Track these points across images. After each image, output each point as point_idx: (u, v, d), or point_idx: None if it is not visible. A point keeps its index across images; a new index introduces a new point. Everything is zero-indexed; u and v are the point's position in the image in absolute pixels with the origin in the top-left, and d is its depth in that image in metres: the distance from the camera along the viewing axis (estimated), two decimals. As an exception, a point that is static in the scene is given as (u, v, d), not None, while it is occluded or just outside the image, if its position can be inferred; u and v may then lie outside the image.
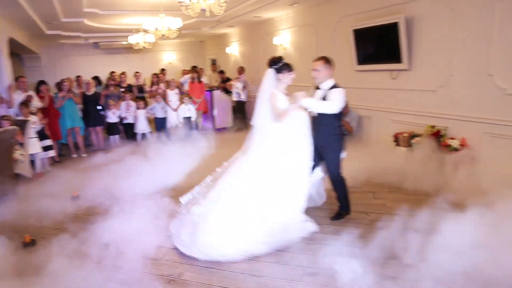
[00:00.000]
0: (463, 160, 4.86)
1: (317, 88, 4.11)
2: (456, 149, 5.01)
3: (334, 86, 3.99)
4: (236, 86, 10.08)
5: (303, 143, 4.01)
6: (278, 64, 3.95)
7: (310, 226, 3.84)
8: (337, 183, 4.14)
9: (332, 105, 3.86)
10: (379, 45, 6.19)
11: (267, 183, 3.80)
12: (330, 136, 4.02)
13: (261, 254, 3.42)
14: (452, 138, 5.15)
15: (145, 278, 3.17)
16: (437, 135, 5.29)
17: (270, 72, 3.99)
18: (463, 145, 5.03)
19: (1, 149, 5.18)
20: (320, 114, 3.98)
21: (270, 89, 3.93)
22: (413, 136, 5.65)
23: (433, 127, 5.42)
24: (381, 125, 6.53)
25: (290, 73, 3.98)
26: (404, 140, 5.76)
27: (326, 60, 4.00)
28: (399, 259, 3.14)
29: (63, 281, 3.04)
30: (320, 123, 4.03)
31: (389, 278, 2.91)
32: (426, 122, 5.57)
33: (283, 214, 3.78)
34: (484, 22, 4.67)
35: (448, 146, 5.08)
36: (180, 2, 5.18)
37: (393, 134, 6.00)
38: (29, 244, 3.89)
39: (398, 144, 5.90)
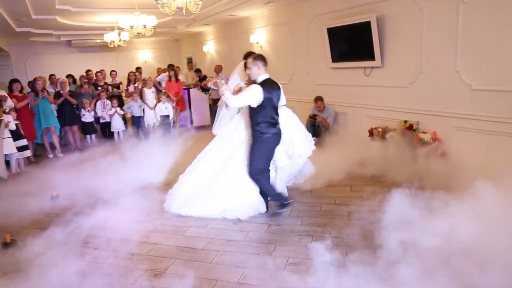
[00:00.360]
0: (435, 153, 5.12)
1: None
2: (428, 143, 5.26)
3: (255, 82, 4.07)
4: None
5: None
6: None
7: (260, 208, 4.30)
8: (254, 181, 4.19)
9: (232, 99, 3.93)
10: (352, 43, 6.39)
11: (220, 163, 4.38)
12: (253, 132, 4.11)
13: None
14: (424, 132, 5.39)
15: (130, 272, 3.22)
16: (410, 129, 5.53)
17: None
18: (434, 138, 5.28)
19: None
20: (251, 109, 4.08)
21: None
22: (387, 130, 5.88)
23: (405, 122, 5.66)
24: (356, 120, 6.74)
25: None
26: (379, 134, 5.98)
27: (256, 58, 4.05)
28: (373, 247, 3.30)
29: (45, 278, 3.06)
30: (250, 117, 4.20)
31: (368, 264, 3.06)
32: (399, 117, 5.80)
33: (235, 193, 4.25)
34: (449, 22, 4.91)
35: (421, 139, 5.32)
36: (156, 0, 5.20)
37: (368, 129, 6.21)
38: (9, 244, 3.85)
39: (373, 139, 6.12)
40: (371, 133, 6.12)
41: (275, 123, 4.10)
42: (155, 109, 9.01)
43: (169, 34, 13.18)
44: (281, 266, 3.22)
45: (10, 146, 6.43)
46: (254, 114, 4.04)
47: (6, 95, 6.90)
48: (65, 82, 8.40)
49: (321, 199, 4.67)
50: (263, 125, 4.02)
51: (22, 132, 6.95)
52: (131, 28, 7.51)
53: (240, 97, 3.94)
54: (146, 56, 14.82)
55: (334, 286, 2.82)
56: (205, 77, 10.93)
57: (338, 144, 6.38)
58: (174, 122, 9.41)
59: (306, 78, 7.91)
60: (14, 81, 7.47)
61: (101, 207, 4.54)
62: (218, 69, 10.25)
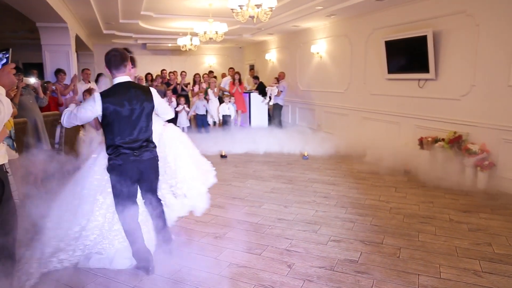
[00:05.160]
0: (482, 163, 5.32)
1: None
2: (475, 153, 5.46)
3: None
4: (272, 90, 10.71)
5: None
6: None
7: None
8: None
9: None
10: (408, 56, 6.71)
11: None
12: None
13: None
14: (472, 143, 5.60)
15: (196, 234, 3.84)
16: (459, 140, 5.75)
17: None
18: (482, 149, 5.47)
19: (71, 128, 6.02)
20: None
21: None
22: (436, 140, 6.12)
23: (455, 132, 5.88)
24: (407, 130, 7.00)
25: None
26: (428, 143, 6.24)
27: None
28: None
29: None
30: None
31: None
32: (449, 128, 6.02)
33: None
34: (504, 37, 5.14)
35: (468, 149, 5.53)
36: (232, 9, 5.90)
37: (418, 138, 6.47)
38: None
39: (422, 148, 6.38)
40: (420, 142, 6.38)
41: (133, 148, 2.99)
42: (219, 109, 9.80)
43: (234, 41, 14.06)
44: (324, 241, 3.69)
45: (93, 131, 7.43)
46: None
47: (96, 88, 7.98)
48: (142, 79, 9.44)
49: (366, 195, 5.07)
50: (110, 149, 2.99)
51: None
52: (204, 33, 8.34)
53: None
54: (211, 61, 15.85)
55: (370, 263, 3.24)
56: (261, 83, 11.56)
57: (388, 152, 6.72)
58: (236, 121, 10.20)
59: (362, 88, 8.28)
60: (100, 75, 8.57)
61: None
62: (282, 76, 10.87)
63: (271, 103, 10.70)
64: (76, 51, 12.72)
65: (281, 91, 10.65)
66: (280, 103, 10.82)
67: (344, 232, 3.88)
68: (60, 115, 5.78)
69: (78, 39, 9.37)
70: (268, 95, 10.61)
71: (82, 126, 6.78)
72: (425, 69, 6.35)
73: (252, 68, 14.80)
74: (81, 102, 7.37)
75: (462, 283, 2.89)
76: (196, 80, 10.67)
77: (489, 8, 5.36)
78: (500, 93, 5.28)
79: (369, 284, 2.89)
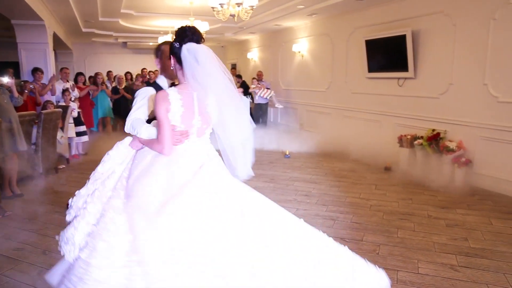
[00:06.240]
0: (459, 160, 5.42)
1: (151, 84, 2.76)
2: (453, 150, 5.56)
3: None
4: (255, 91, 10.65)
5: None
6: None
7: None
8: None
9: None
10: (388, 55, 6.79)
11: None
12: None
13: None
14: (450, 141, 5.70)
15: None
16: (437, 137, 5.85)
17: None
18: (460, 146, 5.58)
19: (49, 128, 5.90)
20: None
21: None
22: (415, 138, 6.21)
23: (433, 130, 5.98)
24: (388, 128, 7.09)
25: None
26: (407, 141, 6.33)
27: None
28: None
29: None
30: None
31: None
32: (428, 126, 6.11)
33: None
34: (480, 37, 5.25)
35: (446, 147, 5.63)
36: (212, 7, 5.87)
37: (397, 136, 6.56)
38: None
39: (401, 145, 6.46)
40: (400, 139, 6.47)
41: None
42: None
43: (216, 40, 14.00)
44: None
45: (71, 131, 7.30)
46: None
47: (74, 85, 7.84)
48: (122, 78, 9.31)
49: (346, 193, 5.12)
50: None
51: (82, 119, 7.83)
52: (185, 32, 8.25)
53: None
54: (193, 60, 15.75)
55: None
56: (244, 82, 11.53)
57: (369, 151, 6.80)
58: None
59: (344, 87, 8.35)
60: (79, 74, 8.44)
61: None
62: (261, 75, 10.85)
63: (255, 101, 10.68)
64: (54, 50, 12.52)
65: (268, 88, 10.61)
66: (264, 101, 10.81)
67: (325, 230, 3.82)
68: (37, 115, 5.70)
69: (56, 37, 9.18)
70: (260, 96, 10.44)
71: (61, 127, 6.67)
72: (405, 68, 6.44)
73: (234, 67, 14.76)
74: (58, 102, 7.25)
75: (439, 278, 2.94)
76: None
77: (464, 8, 5.47)
78: (476, 92, 5.40)
79: (348, 281, 2.91)
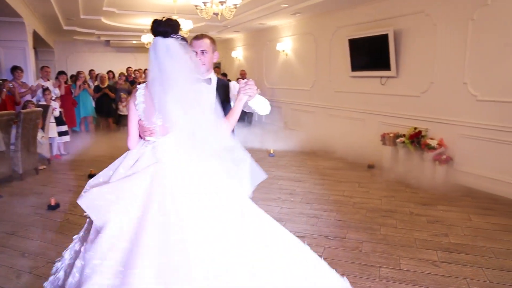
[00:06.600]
0: (440, 158, 5.52)
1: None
2: (434, 148, 5.65)
3: (222, 80, 2.66)
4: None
5: None
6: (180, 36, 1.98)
7: None
8: None
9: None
10: (371, 54, 6.86)
11: None
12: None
13: None
14: (431, 139, 5.79)
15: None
16: (418, 135, 5.93)
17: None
18: (441, 144, 5.68)
19: (28, 128, 5.78)
20: None
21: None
22: (398, 136, 6.30)
23: (415, 128, 6.07)
24: (371, 126, 7.16)
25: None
26: (390, 139, 6.41)
27: (213, 40, 2.52)
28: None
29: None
30: None
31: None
32: (410, 124, 6.20)
33: None
34: (460, 37, 5.35)
35: (428, 145, 5.72)
36: (196, 5, 5.84)
37: (380, 134, 6.64)
38: (54, 206, 4.48)
39: (384, 143, 6.54)
40: (383, 138, 6.55)
41: None
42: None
43: (200, 39, 13.93)
44: (289, 237, 3.71)
45: (52, 130, 7.17)
46: None
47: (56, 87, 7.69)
48: (105, 77, 9.18)
49: (330, 191, 5.15)
50: None
51: (64, 119, 7.69)
52: (169, 30, 8.19)
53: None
54: (177, 59, 15.64)
55: (333, 257, 3.28)
56: (229, 81, 11.52)
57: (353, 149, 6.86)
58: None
59: (328, 86, 8.40)
60: (61, 72, 8.28)
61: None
62: (244, 73, 10.85)
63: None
64: (35, 48, 12.30)
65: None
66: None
67: (309, 228, 3.92)
68: (16, 114, 5.58)
69: (36, 35, 9.00)
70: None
71: (42, 127, 6.54)
72: (387, 67, 6.51)
73: (218, 66, 14.70)
74: (39, 101, 7.10)
75: (420, 273, 2.99)
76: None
77: (444, 9, 5.57)
78: (456, 90, 5.50)
79: (331, 278, 2.93)
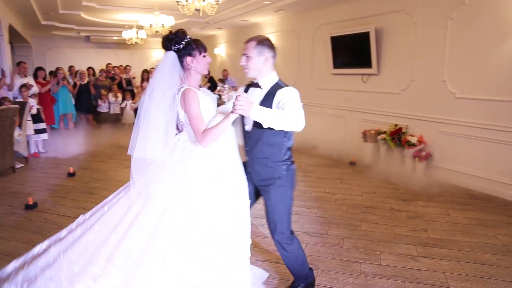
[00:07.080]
0: (420, 154, 5.61)
1: (250, 85, 2.52)
2: (414, 145, 5.74)
3: (278, 85, 2.44)
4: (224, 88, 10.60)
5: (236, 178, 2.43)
6: (182, 43, 2.28)
7: None
8: (289, 246, 2.62)
9: (300, 118, 2.22)
10: (352, 51, 6.91)
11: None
12: (277, 164, 2.48)
13: None
14: (411, 135, 5.88)
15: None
16: (399, 132, 6.02)
17: (170, 57, 2.28)
18: (420, 141, 5.77)
19: (4, 125, 5.63)
20: (259, 130, 2.35)
21: (173, 85, 2.27)
22: (379, 133, 6.37)
23: (396, 125, 6.15)
24: (353, 123, 7.23)
25: (204, 54, 2.46)
26: (371, 136, 6.48)
27: (260, 42, 2.39)
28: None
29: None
30: (258, 143, 2.45)
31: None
32: (391, 121, 6.28)
33: None
34: (439, 35, 5.44)
35: (408, 141, 5.81)
36: (177, 1, 5.77)
37: (362, 131, 6.71)
38: (32, 205, 4.38)
39: (366, 140, 6.62)
40: (364, 134, 6.62)
41: None
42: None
43: (183, 35, 13.80)
44: (269, 235, 3.71)
45: (29, 128, 6.98)
46: (282, 134, 2.45)
47: (34, 83, 7.49)
48: (84, 73, 9.01)
49: (312, 188, 5.18)
50: (290, 152, 2.56)
51: (42, 116, 7.51)
52: (150, 26, 8.09)
53: (298, 113, 2.26)
54: (159, 55, 15.46)
55: (314, 254, 3.30)
56: (211, 78, 11.45)
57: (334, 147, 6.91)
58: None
59: (310, 83, 8.43)
60: (39, 68, 8.09)
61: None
62: (226, 74, 10.80)
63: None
64: (11, 43, 11.96)
65: (233, 86, 10.58)
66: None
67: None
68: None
69: (12, 30, 8.75)
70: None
71: (19, 125, 6.38)
72: (368, 65, 6.57)
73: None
74: (16, 98, 6.93)
75: (400, 268, 3.03)
76: (144, 77, 10.37)
77: (424, 7, 5.65)
78: (435, 88, 5.59)
79: (313, 274, 2.95)
